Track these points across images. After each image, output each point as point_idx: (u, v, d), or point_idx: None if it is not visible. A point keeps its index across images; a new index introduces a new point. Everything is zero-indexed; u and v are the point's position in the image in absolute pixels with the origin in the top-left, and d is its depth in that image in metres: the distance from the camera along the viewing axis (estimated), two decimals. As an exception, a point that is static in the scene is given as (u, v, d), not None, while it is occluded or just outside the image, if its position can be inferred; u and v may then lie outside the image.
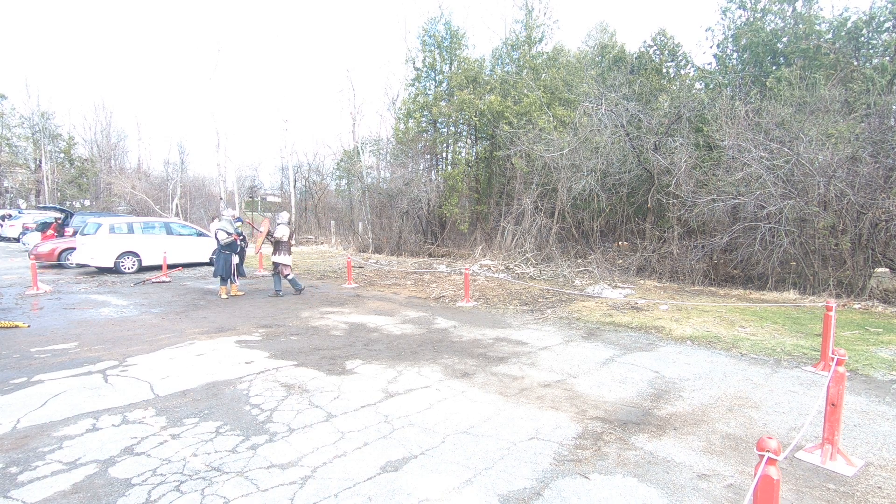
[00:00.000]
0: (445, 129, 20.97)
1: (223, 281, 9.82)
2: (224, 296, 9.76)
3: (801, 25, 14.79)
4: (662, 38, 18.79)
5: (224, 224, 9.84)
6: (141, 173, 40.40)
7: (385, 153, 23.86)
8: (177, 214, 32.24)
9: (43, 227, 18.21)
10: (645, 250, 13.33)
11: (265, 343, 6.31)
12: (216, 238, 9.80)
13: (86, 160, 40.13)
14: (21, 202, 34.85)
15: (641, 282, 11.59)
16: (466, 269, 10.04)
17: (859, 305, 8.58)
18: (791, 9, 15.57)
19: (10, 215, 26.35)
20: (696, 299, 9.43)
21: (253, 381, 4.81)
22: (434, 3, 36.74)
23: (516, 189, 17.06)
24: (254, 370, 5.17)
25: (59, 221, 18.49)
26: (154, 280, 11.86)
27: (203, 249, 14.86)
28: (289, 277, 10.12)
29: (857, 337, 6.52)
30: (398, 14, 53.47)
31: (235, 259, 10.05)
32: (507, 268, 13.32)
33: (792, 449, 3.41)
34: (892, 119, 11.37)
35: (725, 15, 16.69)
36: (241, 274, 10.94)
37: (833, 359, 3.19)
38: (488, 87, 18.93)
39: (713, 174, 11.87)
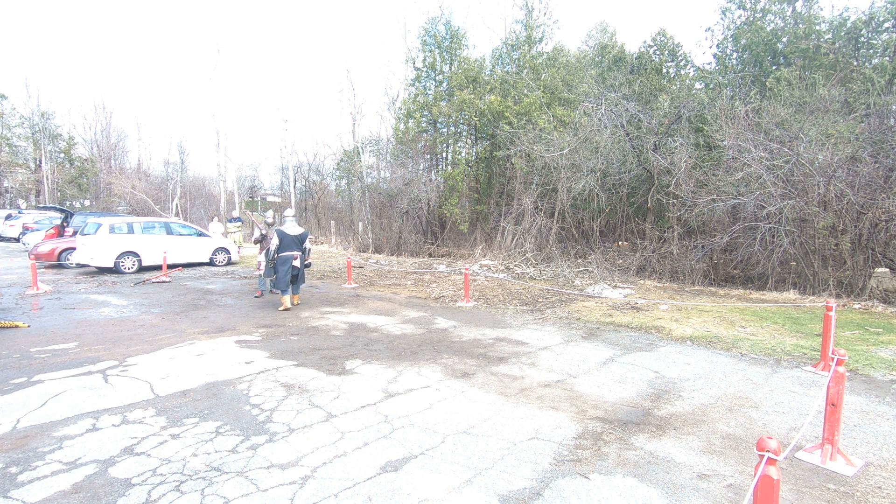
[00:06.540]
0: (445, 129, 20.98)
1: (296, 288, 8.85)
2: (295, 303, 8.82)
3: (800, 25, 14.80)
4: (662, 39, 18.80)
5: (291, 224, 8.73)
6: (141, 173, 40.40)
7: (385, 153, 23.88)
8: (177, 214, 32.24)
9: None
10: (645, 250, 13.33)
11: (265, 343, 6.31)
12: (304, 244, 8.80)
13: (86, 160, 40.11)
14: (21, 202, 34.78)
15: (641, 282, 11.59)
16: (466, 269, 10.04)
17: (859, 305, 8.57)
18: (791, 9, 15.58)
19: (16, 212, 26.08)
20: (696, 299, 9.43)
21: (253, 381, 4.81)
22: (434, 3, 36.74)
23: (516, 189, 17.07)
24: (254, 370, 5.16)
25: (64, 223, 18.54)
26: (154, 280, 11.86)
27: (203, 249, 14.86)
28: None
29: (857, 337, 6.52)
30: (398, 14, 53.47)
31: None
32: (507, 268, 13.32)
33: (792, 449, 3.41)
34: (892, 119, 11.38)
35: (725, 15, 16.70)
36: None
37: (833, 359, 3.19)
38: (488, 87, 18.93)
39: (713, 174, 11.88)
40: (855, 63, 14.01)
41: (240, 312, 8.33)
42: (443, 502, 2.79)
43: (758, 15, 15.92)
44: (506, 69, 20.85)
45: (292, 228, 8.69)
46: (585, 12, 50.13)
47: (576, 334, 6.86)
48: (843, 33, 14.00)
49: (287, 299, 8.52)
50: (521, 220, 15.20)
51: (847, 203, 9.49)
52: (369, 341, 6.43)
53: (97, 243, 12.81)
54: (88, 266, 13.38)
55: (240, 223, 20.65)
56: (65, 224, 17.50)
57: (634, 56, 19.20)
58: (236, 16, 69.86)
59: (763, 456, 1.98)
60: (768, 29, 15.31)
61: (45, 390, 4.54)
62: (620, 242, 16.98)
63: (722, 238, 10.84)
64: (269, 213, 10.26)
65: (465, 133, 21.07)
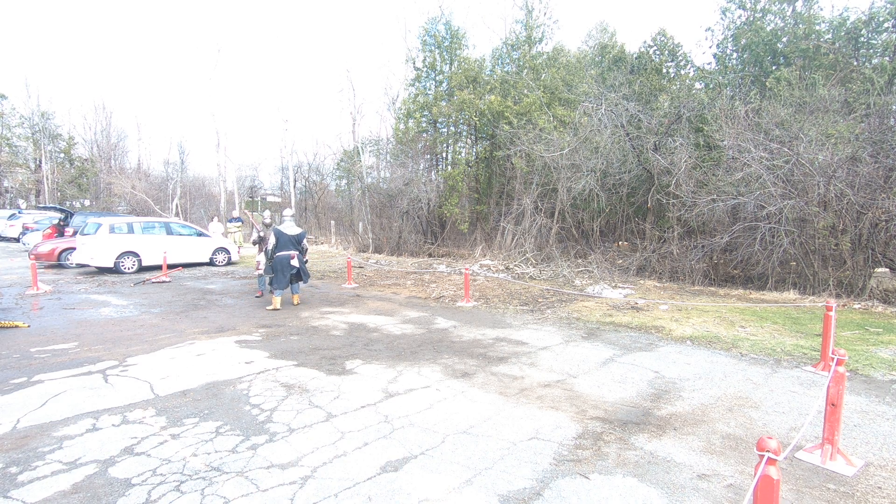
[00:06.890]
0: (445, 129, 20.97)
1: (295, 288, 8.92)
2: (295, 303, 8.94)
3: (800, 25, 14.80)
4: (662, 38, 18.79)
5: (289, 224, 8.82)
6: (141, 173, 40.37)
7: (385, 153, 23.88)
8: (177, 214, 32.22)
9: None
10: (645, 250, 13.32)
11: (265, 343, 6.31)
12: (302, 244, 8.85)
13: (86, 160, 40.08)
14: (21, 202, 34.76)
15: (641, 282, 11.59)
16: (466, 269, 10.04)
17: (859, 305, 8.57)
18: (791, 9, 15.58)
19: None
20: (696, 299, 9.43)
21: (253, 381, 4.81)
22: (434, 3, 36.73)
23: (516, 189, 17.06)
24: (254, 370, 5.16)
25: (62, 222, 18.43)
26: (154, 280, 11.86)
27: (203, 249, 14.86)
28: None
29: (857, 337, 6.52)
30: (398, 14, 53.42)
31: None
32: (507, 268, 13.32)
33: (792, 449, 3.41)
34: (892, 119, 11.38)
35: (725, 15, 16.70)
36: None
37: (833, 359, 3.19)
38: (488, 87, 18.93)
39: (713, 174, 11.88)
40: (855, 63, 14.01)
41: (240, 312, 8.33)
42: (443, 502, 2.79)
43: (758, 15, 15.92)
44: (506, 69, 20.85)
45: (290, 228, 8.72)
46: (585, 12, 50.17)
47: (576, 334, 6.86)
48: (843, 33, 14.00)
49: (278, 300, 8.49)
50: (521, 220, 15.19)
51: (847, 203, 9.48)
52: (369, 341, 6.43)
53: (97, 243, 12.81)
54: (88, 266, 13.38)
55: (240, 223, 20.67)
56: (63, 224, 17.48)
57: (634, 56, 19.19)
58: (236, 16, 69.85)
59: (763, 456, 1.98)
60: (768, 29, 15.31)
61: (45, 390, 4.54)
62: (620, 242, 16.98)
63: (722, 238, 10.84)
64: (267, 214, 10.25)
65: (465, 133, 21.06)
